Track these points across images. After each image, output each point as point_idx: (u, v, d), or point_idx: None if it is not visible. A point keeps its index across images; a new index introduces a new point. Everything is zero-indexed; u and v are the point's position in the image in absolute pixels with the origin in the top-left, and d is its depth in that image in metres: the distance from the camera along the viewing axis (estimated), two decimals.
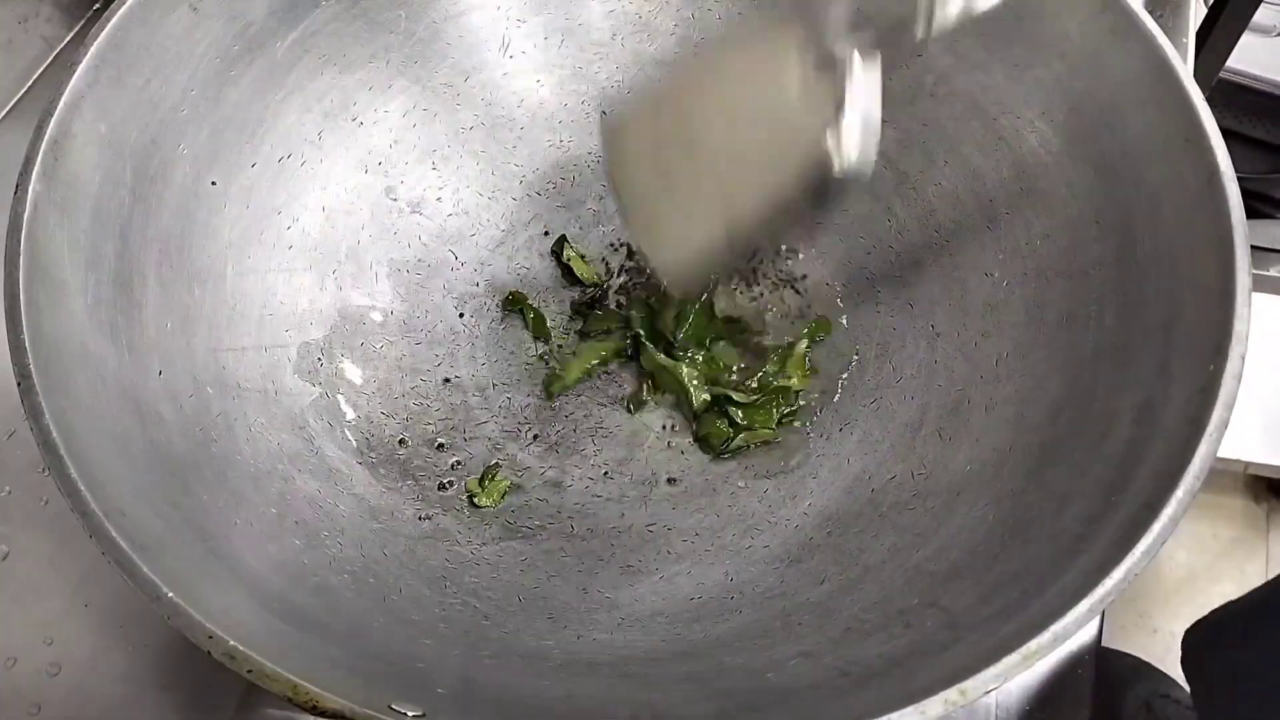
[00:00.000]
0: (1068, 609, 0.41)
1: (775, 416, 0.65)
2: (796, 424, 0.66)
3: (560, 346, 0.70)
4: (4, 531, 0.66)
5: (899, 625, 0.49)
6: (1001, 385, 0.59)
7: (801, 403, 0.66)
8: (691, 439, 0.66)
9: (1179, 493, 0.43)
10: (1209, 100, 0.52)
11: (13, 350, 0.45)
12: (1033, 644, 0.40)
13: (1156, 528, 0.42)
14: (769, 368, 0.67)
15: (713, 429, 0.65)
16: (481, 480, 0.63)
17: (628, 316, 0.69)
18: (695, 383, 0.66)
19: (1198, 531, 1.57)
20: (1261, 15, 1.08)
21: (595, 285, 0.71)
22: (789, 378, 0.67)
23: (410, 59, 0.67)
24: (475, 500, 0.62)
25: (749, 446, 0.65)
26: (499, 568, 0.58)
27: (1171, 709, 1.11)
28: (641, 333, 0.68)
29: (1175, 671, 0.97)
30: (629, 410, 0.67)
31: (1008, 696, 0.62)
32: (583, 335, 0.70)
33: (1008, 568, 0.49)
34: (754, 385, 0.67)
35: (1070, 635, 0.40)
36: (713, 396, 0.66)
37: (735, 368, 0.69)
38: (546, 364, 0.69)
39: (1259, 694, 0.79)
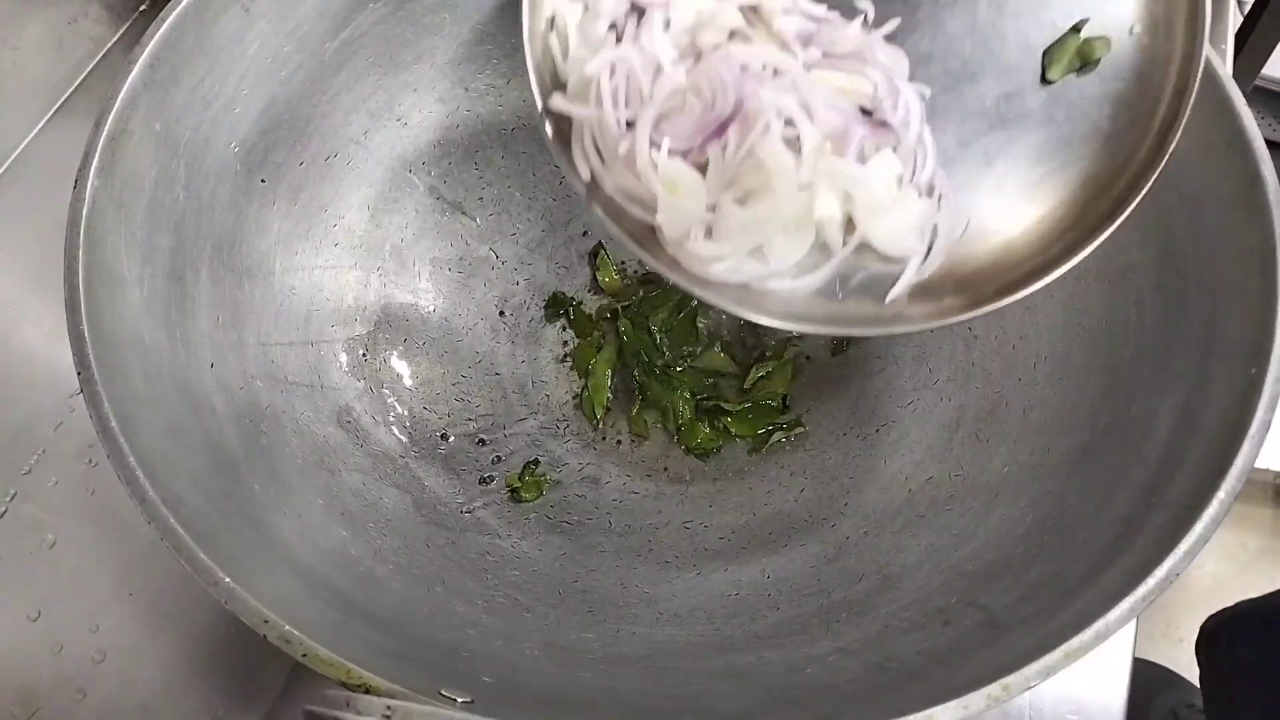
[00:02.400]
0: (1109, 608, 0.41)
1: (766, 422, 0.66)
2: (798, 428, 0.66)
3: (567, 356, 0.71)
4: (51, 521, 0.67)
5: (938, 623, 0.49)
6: (1039, 388, 0.59)
7: (792, 404, 0.67)
8: (684, 450, 0.67)
9: (1220, 494, 0.43)
10: None
11: (73, 341, 0.47)
12: (1074, 642, 0.40)
13: (1199, 528, 0.43)
14: (756, 374, 0.68)
15: (701, 438, 0.66)
16: (522, 474, 0.64)
17: (617, 326, 0.70)
18: (684, 398, 0.67)
19: (1226, 541, 1.56)
20: None
21: (614, 295, 0.72)
22: (773, 384, 0.68)
23: (454, 60, 0.68)
24: (517, 494, 0.63)
25: (783, 443, 0.65)
26: (539, 561, 0.59)
27: (1197, 719, 1.11)
28: (628, 342, 0.69)
29: None
30: (633, 441, 0.68)
31: (1040, 699, 0.62)
32: (578, 334, 0.71)
33: (1048, 568, 0.49)
34: (746, 387, 0.68)
35: (1111, 633, 0.41)
36: (701, 405, 0.67)
37: (722, 372, 0.70)
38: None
39: (1268, 689, 0.80)
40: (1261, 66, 1.05)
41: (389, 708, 0.36)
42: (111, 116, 0.52)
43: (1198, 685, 0.92)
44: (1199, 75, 0.44)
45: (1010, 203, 0.46)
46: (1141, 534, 0.45)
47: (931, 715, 0.38)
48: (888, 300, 0.44)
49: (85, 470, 0.69)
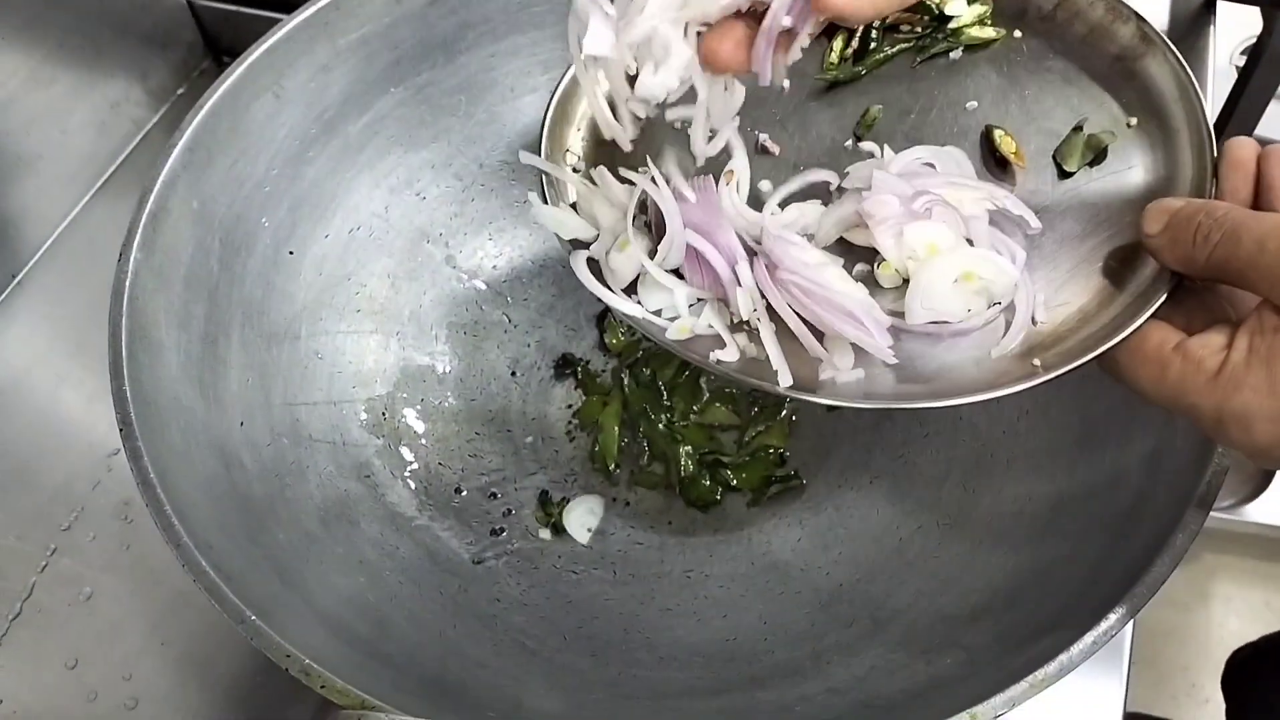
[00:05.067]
0: (1073, 642, 0.44)
1: (763, 474, 0.69)
2: (795, 481, 0.69)
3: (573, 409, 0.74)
4: (88, 574, 0.71)
5: (921, 663, 0.52)
6: (1022, 440, 0.62)
7: (789, 458, 0.70)
8: (686, 502, 0.69)
9: (1179, 536, 0.46)
10: None
11: (116, 400, 0.51)
12: (1040, 674, 0.43)
13: (1158, 568, 0.46)
14: (754, 429, 0.71)
15: (700, 490, 0.69)
16: (546, 509, 0.68)
17: (622, 383, 0.74)
18: (686, 452, 0.70)
19: (1251, 600, 1.54)
20: None
21: (620, 355, 0.76)
22: (771, 438, 0.71)
23: (470, 139, 0.73)
24: (555, 524, 0.67)
25: (781, 495, 0.68)
26: (546, 608, 0.62)
27: None
28: (633, 398, 0.72)
29: None
30: (637, 494, 0.71)
31: None
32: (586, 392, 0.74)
33: (1024, 608, 0.52)
34: (745, 441, 0.71)
35: (1075, 666, 0.44)
36: (703, 459, 0.70)
37: (724, 425, 0.73)
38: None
39: None
40: (1253, 127, 1.07)
41: None
42: (153, 195, 0.57)
43: None
44: (1212, 136, 0.47)
45: (1068, 279, 0.47)
46: (1108, 574, 0.48)
47: None
48: (994, 355, 0.45)
49: (121, 527, 0.73)
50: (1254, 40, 0.85)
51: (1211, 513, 0.47)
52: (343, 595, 0.55)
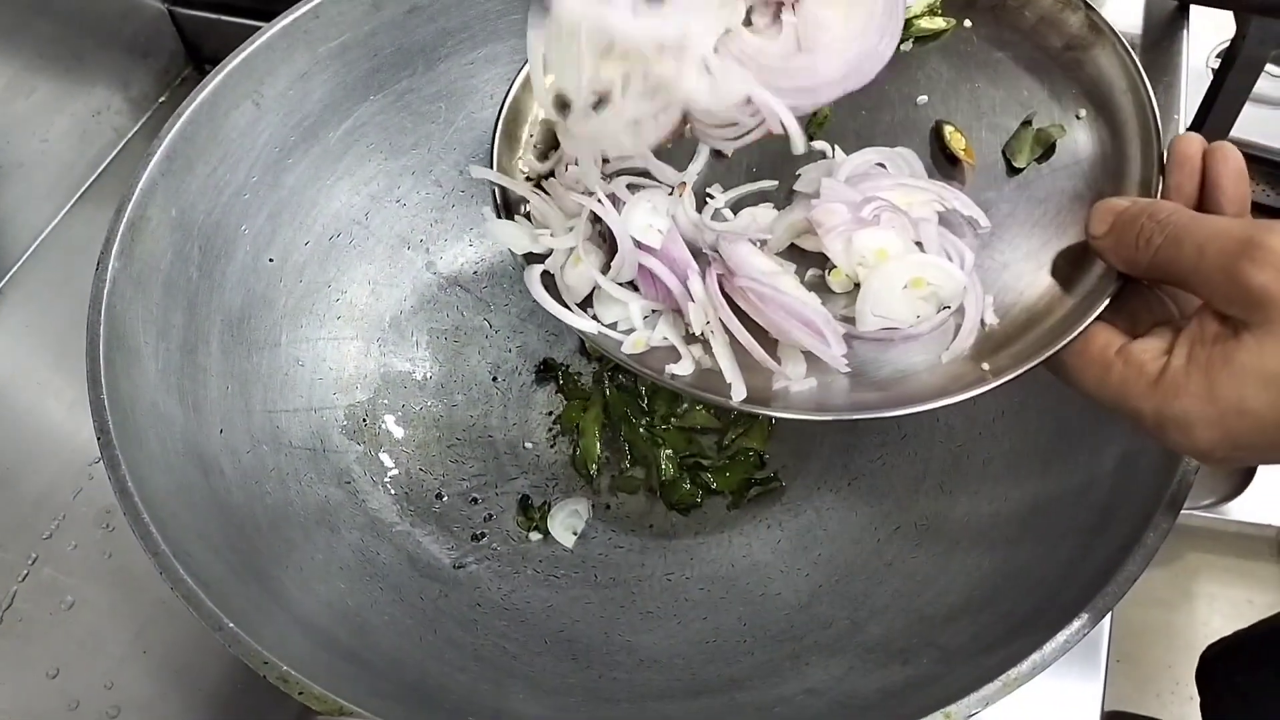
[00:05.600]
0: (1046, 640, 0.44)
1: (743, 477, 0.69)
2: (775, 483, 0.69)
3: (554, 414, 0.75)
4: (70, 583, 0.71)
5: (898, 662, 0.53)
6: (998, 441, 0.63)
7: (769, 460, 0.71)
8: (667, 506, 0.70)
9: (1150, 534, 0.47)
10: None
11: (94, 409, 0.51)
12: (1013, 672, 0.44)
13: (1130, 566, 0.46)
14: (734, 432, 0.72)
15: (681, 493, 0.69)
16: (527, 513, 0.68)
17: (603, 387, 0.74)
18: (667, 455, 0.70)
19: (1233, 598, 1.55)
20: (1264, 85, 1.12)
21: (600, 360, 0.76)
22: (751, 440, 0.71)
23: (450, 146, 0.73)
24: (539, 529, 0.67)
25: (760, 498, 0.69)
26: (526, 612, 0.62)
27: None
28: (614, 402, 0.73)
29: None
30: (618, 497, 0.71)
31: None
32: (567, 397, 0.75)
33: (1000, 608, 0.52)
34: (724, 444, 0.72)
35: (1048, 664, 0.44)
36: (683, 462, 0.70)
37: (704, 428, 0.73)
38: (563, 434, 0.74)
39: (1261, 716, 0.82)
40: (1228, 131, 1.08)
41: None
42: (131, 204, 0.57)
43: None
44: (1159, 130, 0.47)
45: (1021, 274, 0.47)
46: (1082, 572, 0.49)
47: None
48: (945, 359, 0.45)
49: (103, 535, 0.73)
50: (1228, 44, 0.86)
51: (1193, 511, 0.48)
52: (323, 601, 0.55)
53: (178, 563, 0.46)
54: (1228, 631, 1.12)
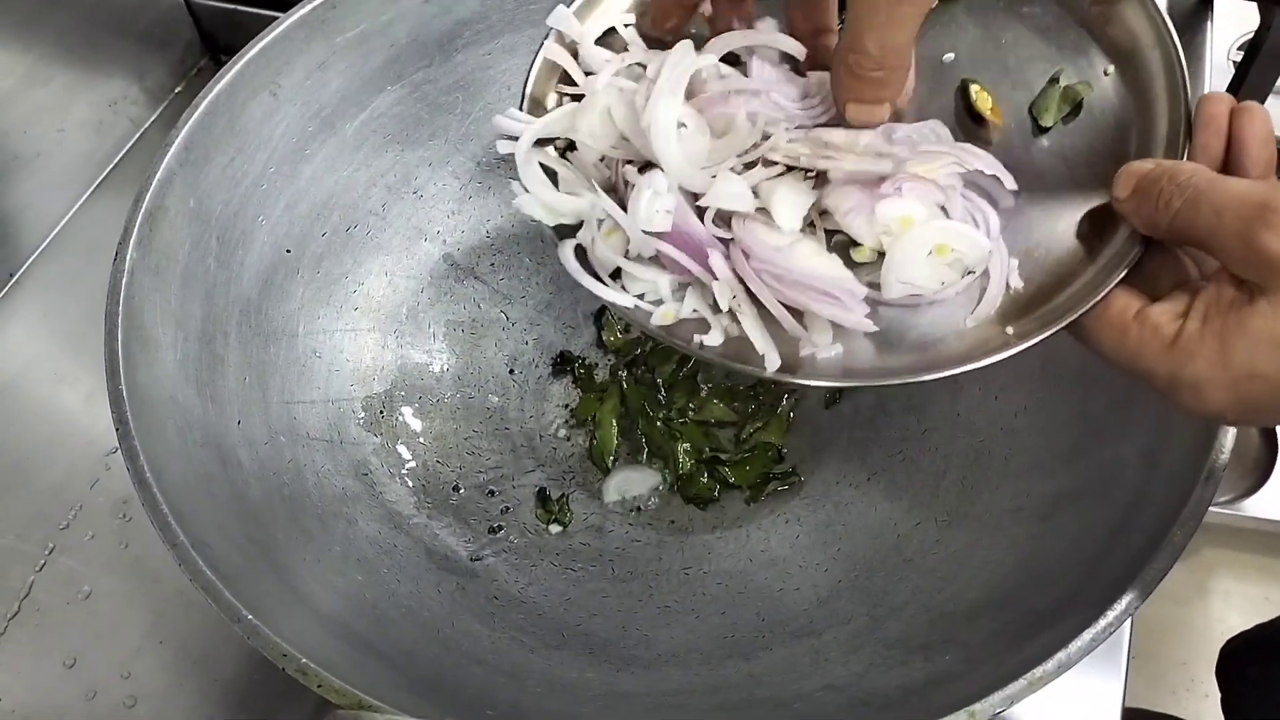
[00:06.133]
0: (1071, 639, 0.44)
1: (761, 471, 0.69)
2: (793, 478, 0.69)
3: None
4: (87, 573, 0.71)
5: (919, 659, 0.52)
6: (1020, 436, 0.62)
7: (787, 455, 0.71)
8: (684, 499, 0.70)
9: (1177, 533, 0.46)
10: None
11: (112, 399, 0.51)
12: (1038, 671, 0.43)
13: (1157, 563, 0.45)
14: (752, 426, 0.72)
15: (699, 488, 0.69)
16: (547, 507, 0.68)
17: (620, 380, 0.74)
18: (684, 449, 0.70)
19: (1250, 594, 1.54)
20: None
21: (617, 352, 0.76)
22: (769, 435, 0.71)
23: (467, 137, 0.73)
24: (560, 521, 0.67)
25: (779, 492, 0.68)
26: (544, 606, 0.62)
27: None
28: (630, 395, 0.73)
29: None
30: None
31: None
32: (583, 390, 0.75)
33: (1022, 605, 0.52)
34: (742, 438, 0.71)
35: (1074, 663, 0.43)
36: (700, 456, 0.70)
37: (722, 422, 0.73)
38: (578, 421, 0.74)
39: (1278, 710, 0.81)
40: None
41: None
42: (149, 194, 0.57)
43: None
44: (1187, 88, 0.46)
45: (1046, 236, 0.47)
46: (1106, 570, 0.48)
47: None
48: (970, 323, 0.45)
49: (120, 525, 0.73)
50: (1251, 35, 0.85)
51: (1210, 508, 0.47)
52: (340, 594, 0.55)
53: (196, 554, 0.46)
54: (1244, 628, 1.11)
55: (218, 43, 0.96)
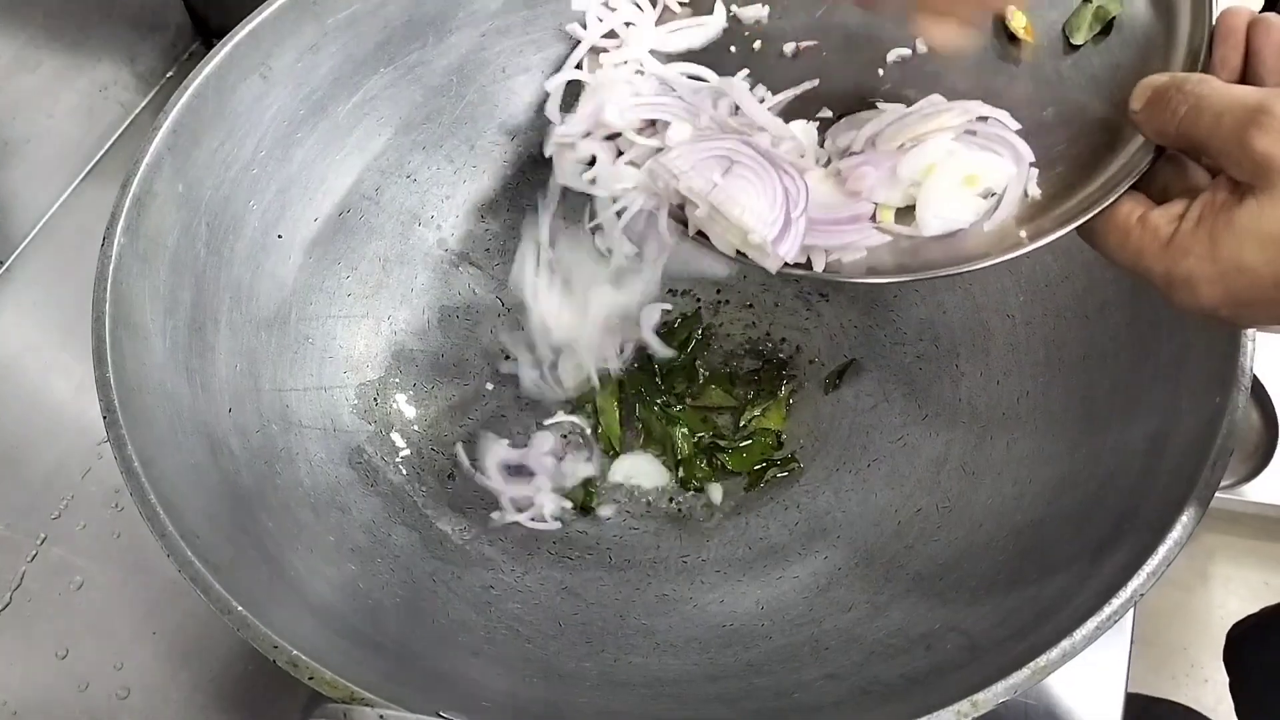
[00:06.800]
0: (1076, 627, 0.43)
1: (760, 457, 0.69)
2: (793, 465, 0.69)
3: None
4: (79, 563, 0.70)
5: (921, 648, 0.51)
6: (1023, 421, 0.61)
7: (786, 441, 0.70)
8: (679, 483, 0.69)
9: (1183, 518, 0.45)
10: None
11: (99, 388, 0.50)
12: (1042, 660, 0.43)
13: (1163, 551, 0.45)
14: (751, 412, 0.71)
15: (699, 473, 0.68)
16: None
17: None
18: (683, 434, 0.70)
19: (1250, 580, 1.54)
20: None
21: None
22: (768, 421, 0.71)
23: (461, 120, 0.72)
24: (588, 508, 0.68)
25: (778, 479, 0.67)
26: (540, 595, 0.61)
27: None
28: (628, 381, 0.72)
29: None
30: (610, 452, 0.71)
31: None
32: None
33: (1025, 592, 0.51)
34: (741, 424, 0.71)
35: (1078, 652, 0.43)
36: (699, 442, 0.70)
37: (721, 408, 0.72)
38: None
39: None
40: None
41: (381, 716, 0.38)
42: (137, 179, 0.56)
43: None
44: (1211, 2, 0.47)
45: (1068, 147, 0.49)
46: (1112, 557, 0.47)
47: None
48: (987, 228, 0.47)
49: (112, 515, 0.72)
50: None
51: None
52: (333, 584, 0.54)
53: (185, 544, 0.45)
54: (1245, 613, 1.11)
55: (209, 26, 0.95)
